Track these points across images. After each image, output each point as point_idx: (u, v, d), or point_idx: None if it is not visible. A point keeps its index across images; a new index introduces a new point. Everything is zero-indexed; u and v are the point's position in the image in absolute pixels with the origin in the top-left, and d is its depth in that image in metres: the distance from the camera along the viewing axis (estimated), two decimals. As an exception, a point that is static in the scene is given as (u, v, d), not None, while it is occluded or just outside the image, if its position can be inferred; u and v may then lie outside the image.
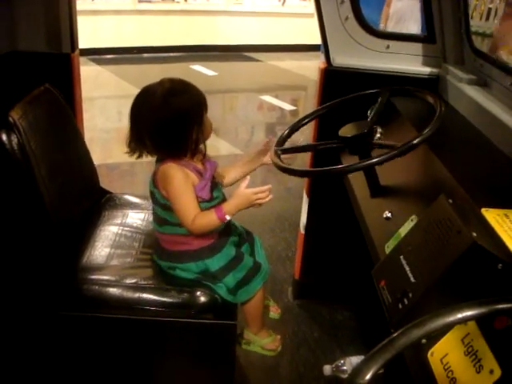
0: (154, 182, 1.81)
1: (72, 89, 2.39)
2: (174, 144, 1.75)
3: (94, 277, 1.84)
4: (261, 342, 2.03)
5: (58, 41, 2.35)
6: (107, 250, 1.99)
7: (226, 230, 1.93)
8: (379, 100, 1.89)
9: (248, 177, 1.82)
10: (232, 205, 1.76)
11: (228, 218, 1.76)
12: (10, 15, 2.27)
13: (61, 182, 1.96)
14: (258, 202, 1.76)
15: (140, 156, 1.81)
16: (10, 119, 1.74)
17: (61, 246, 1.91)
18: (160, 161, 1.80)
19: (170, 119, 1.70)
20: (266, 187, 1.75)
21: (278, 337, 2.08)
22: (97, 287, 1.81)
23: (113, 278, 1.83)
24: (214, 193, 1.82)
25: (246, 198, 1.75)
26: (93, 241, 2.03)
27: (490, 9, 11.18)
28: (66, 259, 1.91)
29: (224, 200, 1.85)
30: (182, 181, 1.74)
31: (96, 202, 2.28)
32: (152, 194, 1.85)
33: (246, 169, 2.02)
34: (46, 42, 2.35)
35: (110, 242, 2.03)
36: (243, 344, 2.04)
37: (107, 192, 2.39)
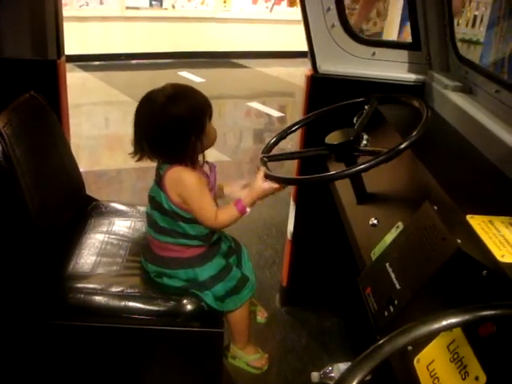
0: (161, 185, 1.78)
1: (58, 96, 2.38)
2: (172, 151, 1.74)
3: (79, 285, 1.83)
4: (247, 358, 2.02)
5: (43, 47, 2.33)
6: (93, 258, 1.97)
7: (217, 240, 1.93)
8: (367, 108, 1.90)
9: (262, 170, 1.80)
10: (249, 197, 1.76)
11: (248, 210, 1.77)
12: (-5, 22, 2.26)
13: (46, 189, 1.95)
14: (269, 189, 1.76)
15: (140, 159, 1.79)
16: (-5, 127, 1.73)
17: (46, 254, 1.90)
18: (166, 165, 1.77)
19: (166, 127, 1.69)
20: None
21: (266, 355, 2.06)
22: (83, 296, 1.80)
23: (99, 287, 1.82)
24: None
25: (262, 190, 1.76)
26: (79, 249, 2.01)
27: (475, 16, 11.29)
28: (52, 267, 1.90)
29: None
30: (196, 182, 1.74)
31: (82, 210, 2.27)
32: (153, 199, 1.83)
33: (235, 194, 1.95)
34: (32, 49, 2.34)
35: (96, 250, 2.02)
36: (229, 358, 2.03)
37: (93, 199, 2.38)
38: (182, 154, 1.73)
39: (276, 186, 1.75)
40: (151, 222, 1.88)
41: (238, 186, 1.99)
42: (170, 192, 1.76)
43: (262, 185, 1.75)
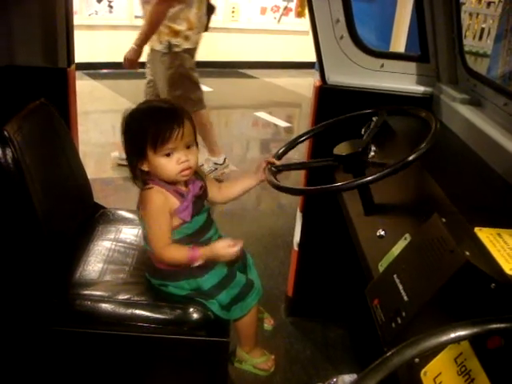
0: (138, 203, 1.80)
1: (68, 103, 2.40)
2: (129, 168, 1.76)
3: (86, 292, 1.83)
4: (253, 361, 2.02)
5: (54, 55, 2.36)
6: (100, 265, 1.98)
7: None
8: (376, 119, 1.90)
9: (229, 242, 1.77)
10: (206, 254, 1.76)
11: (197, 264, 1.75)
12: (6, 29, 2.28)
13: (55, 196, 1.96)
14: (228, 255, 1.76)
15: None
16: (5, 133, 1.74)
17: (54, 260, 1.90)
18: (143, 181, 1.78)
19: (124, 139, 1.73)
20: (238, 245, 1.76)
21: (272, 357, 2.06)
22: (89, 303, 1.80)
23: (105, 294, 1.83)
24: (198, 213, 1.80)
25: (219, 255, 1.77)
26: (86, 256, 2.02)
27: (483, 28, 11.31)
28: (59, 274, 1.90)
29: (206, 223, 1.84)
30: (157, 207, 1.72)
31: (90, 217, 2.28)
32: (138, 216, 1.85)
33: (246, 185, 1.97)
34: (43, 57, 2.36)
35: (103, 258, 2.02)
36: (235, 362, 2.03)
37: (101, 207, 2.39)
38: (137, 174, 1.74)
39: (235, 251, 1.75)
40: (144, 237, 1.88)
41: (237, 185, 1.99)
42: (140, 208, 1.78)
43: (222, 250, 1.75)
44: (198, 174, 1.85)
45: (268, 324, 2.21)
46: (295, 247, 2.72)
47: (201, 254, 1.74)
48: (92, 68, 8.05)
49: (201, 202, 1.82)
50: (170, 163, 1.69)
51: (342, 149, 1.77)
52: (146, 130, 1.66)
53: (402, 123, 2.06)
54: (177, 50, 4.20)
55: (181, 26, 4.14)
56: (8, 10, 2.27)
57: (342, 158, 1.75)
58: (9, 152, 1.73)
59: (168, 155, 1.67)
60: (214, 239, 1.87)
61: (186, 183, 1.79)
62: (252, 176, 1.95)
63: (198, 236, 1.82)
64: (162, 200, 1.72)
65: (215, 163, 4.66)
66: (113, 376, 1.90)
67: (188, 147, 1.70)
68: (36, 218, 1.81)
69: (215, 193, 1.94)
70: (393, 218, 1.70)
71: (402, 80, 2.41)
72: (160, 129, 1.64)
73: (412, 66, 2.42)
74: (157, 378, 1.89)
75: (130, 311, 1.79)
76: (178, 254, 1.76)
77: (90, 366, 1.87)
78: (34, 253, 1.87)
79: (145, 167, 1.72)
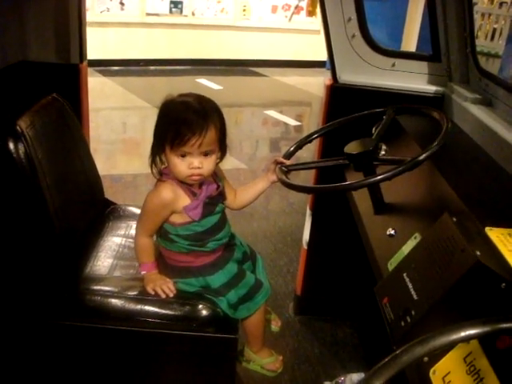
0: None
1: (79, 99, 2.41)
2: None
3: (96, 287, 1.84)
4: (261, 362, 2.01)
5: (66, 51, 2.37)
6: (110, 260, 1.99)
7: (230, 248, 1.92)
8: (385, 118, 1.90)
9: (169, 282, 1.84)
10: (150, 276, 1.84)
11: (142, 272, 1.85)
12: (20, 25, 2.29)
13: (66, 191, 1.97)
14: (157, 290, 1.81)
15: None
16: (18, 128, 1.75)
17: (64, 255, 1.91)
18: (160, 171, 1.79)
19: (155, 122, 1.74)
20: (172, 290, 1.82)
21: (280, 358, 2.06)
22: (99, 298, 1.81)
23: (115, 289, 1.83)
24: (210, 214, 1.81)
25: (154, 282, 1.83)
26: (96, 251, 2.03)
27: (494, 29, 11.25)
28: (69, 269, 1.91)
29: (218, 223, 1.84)
30: (161, 201, 1.74)
31: (100, 213, 2.29)
32: None
33: (259, 188, 1.96)
34: (55, 53, 2.37)
35: (114, 253, 2.04)
36: (243, 362, 2.02)
37: (111, 203, 2.39)
38: (156, 161, 1.74)
39: (166, 292, 1.81)
40: (159, 230, 1.87)
41: (248, 191, 1.98)
42: (147, 195, 1.79)
43: (148, 286, 1.82)
44: (216, 176, 1.86)
45: (275, 325, 2.21)
46: (304, 246, 2.72)
47: (147, 272, 1.84)
48: (103, 65, 8.08)
49: (214, 204, 1.83)
50: (182, 165, 1.69)
51: (352, 147, 1.77)
52: (168, 127, 1.66)
53: (412, 122, 2.06)
54: None
55: None
56: (21, 6, 2.28)
57: (353, 156, 1.75)
58: (21, 147, 1.74)
59: (182, 156, 1.68)
60: (225, 240, 1.88)
61: (200, 184, 1.79)
62: (263, 178, 1.95)
63: (209, 235, 1.82)
64: (169, 197, 1.74)
65: None
66: (121, 371, 1.91)
67: (205, 155, 1.70)
68: (47, 213, 1.82)
69: (231, 200, 1.94)
70: (403, 216, 1.70)
71: (414, 79, 2.40)
72: (180, 132, 1.63)
73: (423, 66, 2.41)
74: (165, 374, 1.90)
75: (139, 307, 1.80)
76: (143, 251, 1.84)
77: (99, 360, 1.88)
78: (45, 247, 1.88)
79: (163, 158, 1.73)
